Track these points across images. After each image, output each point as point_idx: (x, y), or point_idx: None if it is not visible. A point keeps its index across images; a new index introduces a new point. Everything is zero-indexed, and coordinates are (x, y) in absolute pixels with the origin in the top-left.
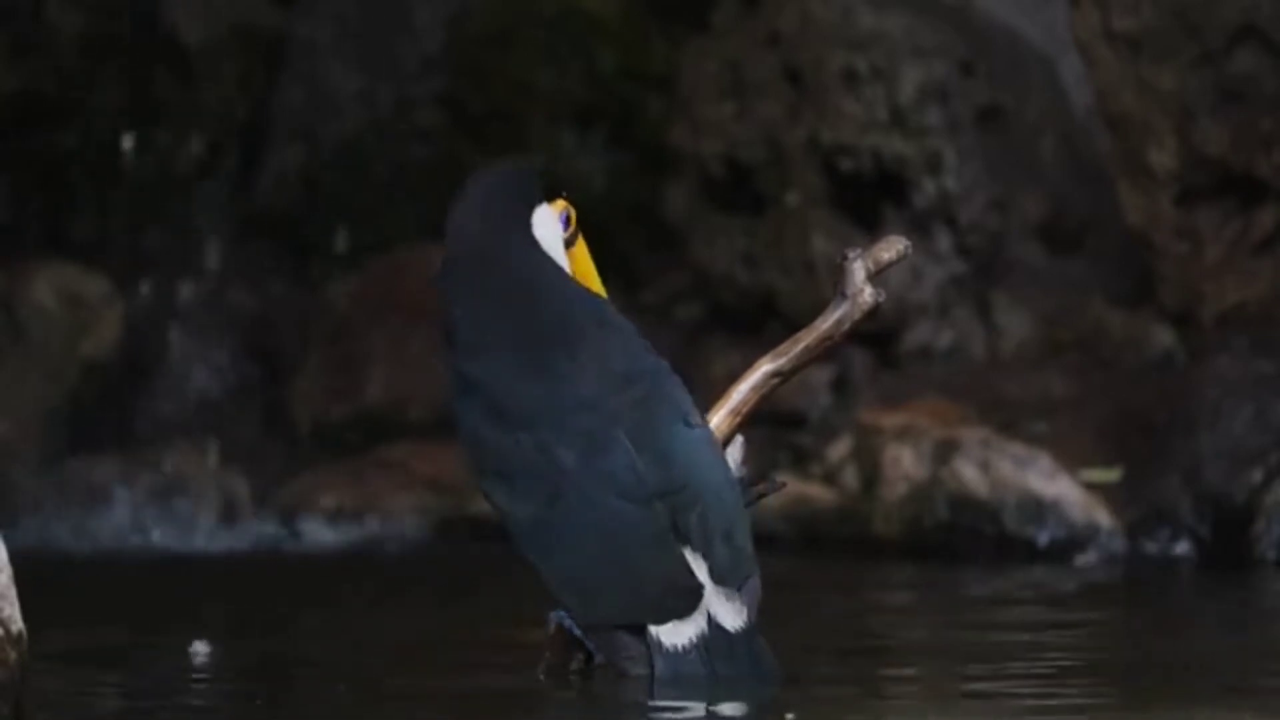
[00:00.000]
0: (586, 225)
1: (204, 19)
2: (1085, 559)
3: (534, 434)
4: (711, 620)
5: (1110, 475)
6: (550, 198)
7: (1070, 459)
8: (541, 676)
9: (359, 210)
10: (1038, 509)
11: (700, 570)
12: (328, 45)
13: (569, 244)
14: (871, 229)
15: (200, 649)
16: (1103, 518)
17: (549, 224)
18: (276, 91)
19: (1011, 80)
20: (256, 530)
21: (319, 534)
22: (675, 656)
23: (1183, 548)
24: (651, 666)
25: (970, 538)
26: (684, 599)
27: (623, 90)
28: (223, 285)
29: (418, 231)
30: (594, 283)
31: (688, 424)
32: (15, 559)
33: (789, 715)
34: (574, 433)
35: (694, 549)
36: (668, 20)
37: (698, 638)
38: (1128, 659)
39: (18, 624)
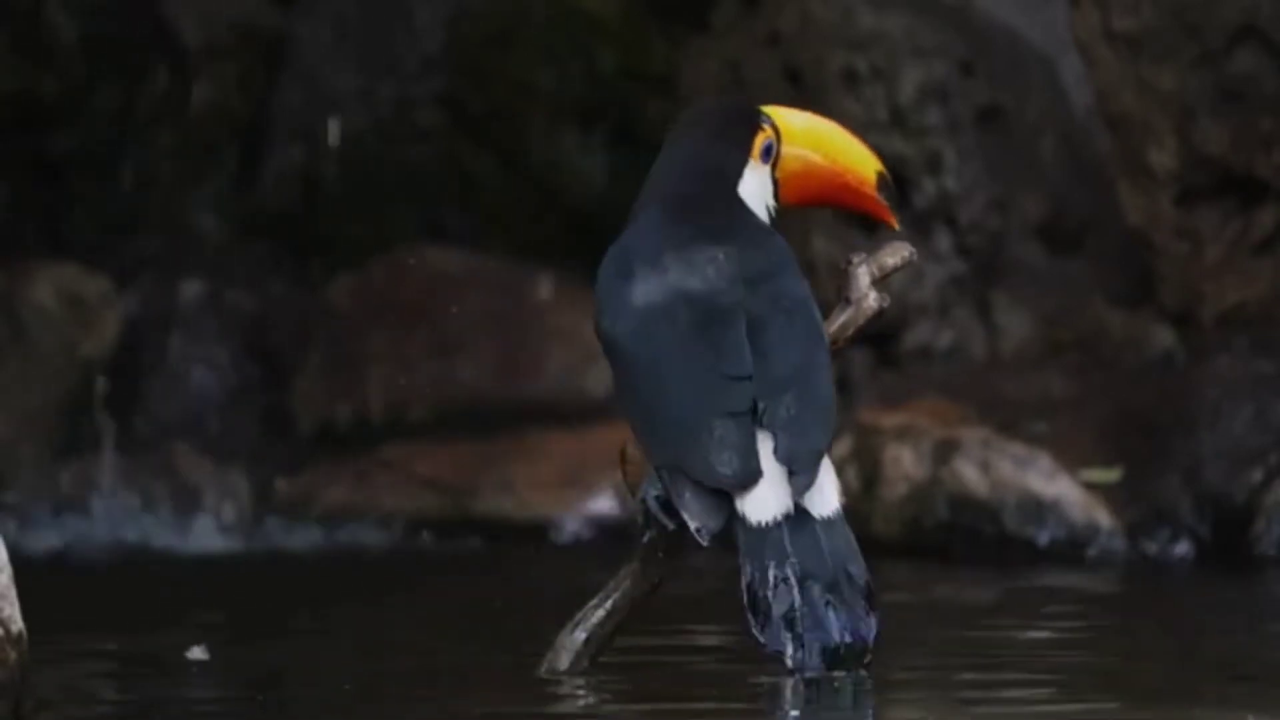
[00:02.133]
0: (587, 225)
1: (204, 19)
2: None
3: (663, 280)
4: (798, 505)
5: (1110, 475)
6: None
7: (1070, 459)
8: (542, 675)
9: (359, 210)
10: (1038, 509)
11: (765, 451)
12: (328, 45)
13: (774, 166)
14: (872, 231)
15: (199, 650)
16: (1103, 518)
17: (754, 181)
18: (276, 91)
19: (1011, 80)
20: (256, 530)
21: (319, 534)
22: (758, 532)
23: (1183, 548)
24: (735, 540)
25: (970, 538)
26: (742, 465)
27: (623, 90)
28: (223, 285)
29: (418, 231)
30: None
31: (810, 336)
32: (15, 559)
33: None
34: (697, 301)
35: (765, 429)
36: (668, 20)
37: (782, 518)
38: (1128, 659)
39: (18, 624)
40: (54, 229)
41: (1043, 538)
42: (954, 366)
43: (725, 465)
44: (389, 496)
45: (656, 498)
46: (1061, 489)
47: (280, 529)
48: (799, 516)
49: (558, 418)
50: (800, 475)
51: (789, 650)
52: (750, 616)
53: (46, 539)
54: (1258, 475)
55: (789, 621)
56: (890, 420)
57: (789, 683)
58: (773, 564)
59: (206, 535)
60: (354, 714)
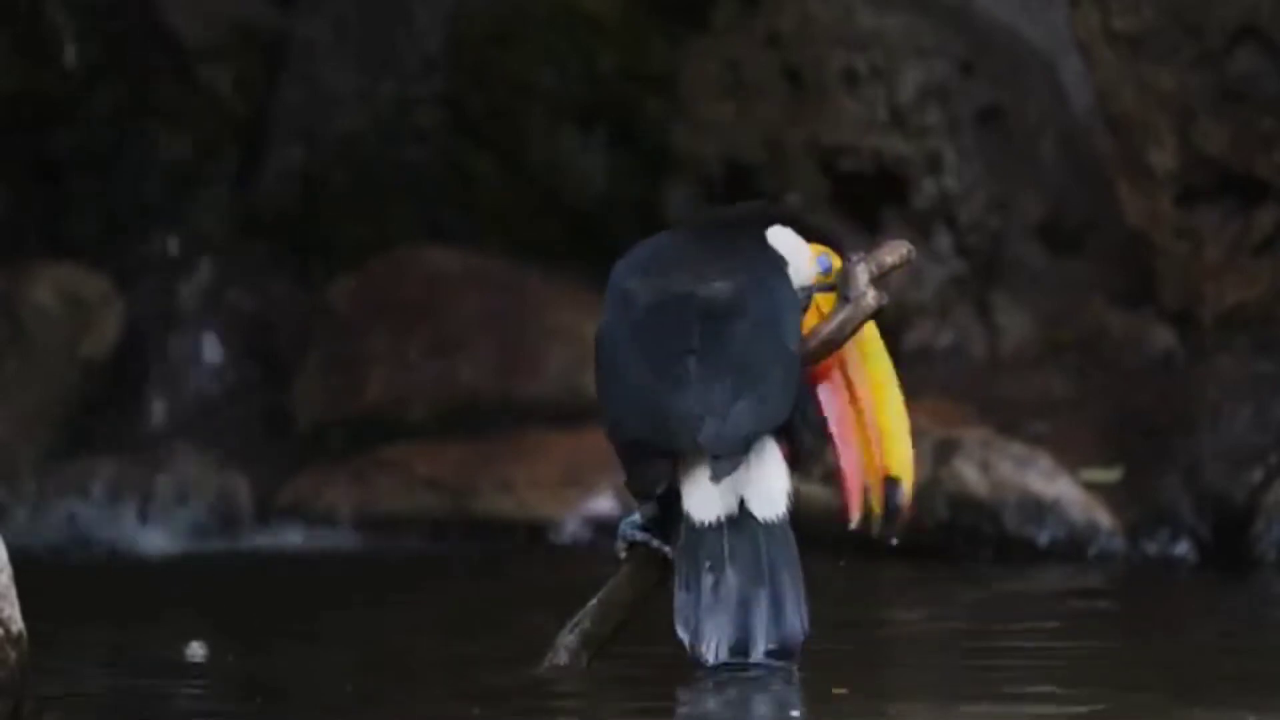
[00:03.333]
0: (586, 225)
1: (204, 19)
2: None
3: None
4: (743, 505)
5: (1110, 475)
6: (807, 237)
7: (1070, 459)
8: (542, 674)
9: (359, 210)
10: (1038, 509)
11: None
12: (328, 45)
13: (819, 288)
14: (872, 229)
15: (198, 649)
16: (1103, 518)
17: (790, 243)
18: (276, 91)
19: (1011, 80)
20: (256, 531)
21: (318, 535)
22: (698, 532)
23: (1183, 548)
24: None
25: (970, 538)
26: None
27: (623, 90)
28: (223, 285)
29: (418, 231)
30: (870, 361)
31: (784, 346)
32: (15, 559)
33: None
34: (659, 290)
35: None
36: (668, 20)
37: (725, 519)
38: (1128, 659)
39: (18, 624)
40: (54, 229)
41: (1043, 538)
42: (954, 366)
43: (671, 428)
44: (389, 496)
45: (630, 524)
46: (1061, 489)
47: (280, 529)
48: (741, 518)
49: (558, 418)
50: (723, 461)
51: (706, 648)
52: (677, 613)
53: (46, 539)
54: (1258, 475)
55: (715, 623)
56: None
57: (786, 674)
58: (708, 564)
59: (206, 535)
60: (353, 713)
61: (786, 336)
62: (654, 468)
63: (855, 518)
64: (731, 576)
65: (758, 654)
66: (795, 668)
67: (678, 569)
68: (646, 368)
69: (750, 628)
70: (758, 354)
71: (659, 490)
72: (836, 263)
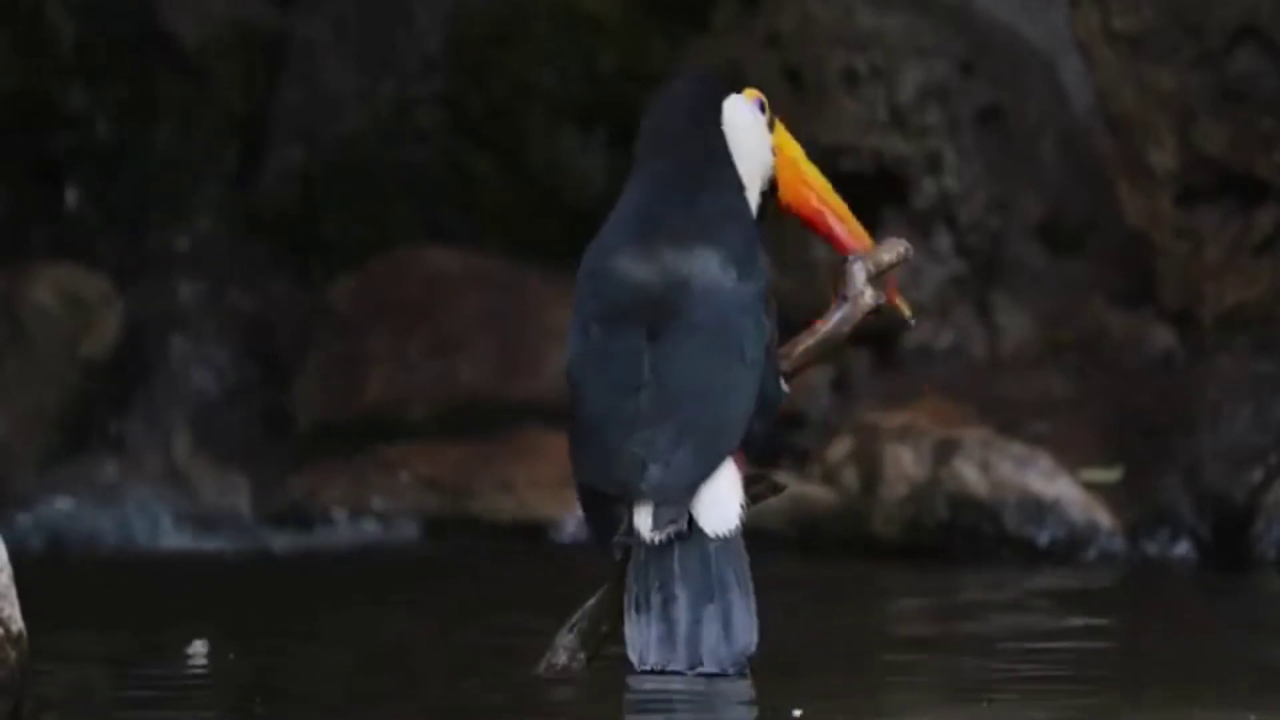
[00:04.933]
0: (586, 225)
1: (204, 19)
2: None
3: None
4: (692, 522)
5: (1110, 475)
6: (738, 89)
7: (1070, 459)
8: (540, 674)
9: (359, 210)
10: (1038, 509)
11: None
12: (328, 45)
13: (770, 126)
14: (871, 229)
15: (199, 649)
16: (1103, 518)
17: (743, 111)
18: (276, 91)
19: (1011, 80)
20: (256, 530)
21: (318, 534)
22: (648, 549)
23: (1183, 548)
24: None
25: (970, 538)
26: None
27: (623, 90)
28: (223, 285)
29: (418, 231)
30: (803, 163)
31: (740, 355)
32: (15, 559)
33: (796, 712)
34: (609, 311)
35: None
36: (668, 20)
37: (675, 536)
38: (1127, 659)
39: (18, 624)
40: (54, 229)
41: (1043, 538)
42: (954, 366)
43: (621, 472)
44: (389, 496)
45: None
46: (1061, 489)
47: (280, 529)
48: (692, 535)
49: (558, 418)
50: (664, 508)
51: (651, 660)
52: (627, 629)
53: (46, 539)
54: (1258, 475)
55: (662, 638)
56: (890, 420)
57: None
58: (656, 583)
59: (206, 535)
60: (352, 713)
61: (744, 340)
62: (611, 512)
63: (908, 310)
64: (681, 595)
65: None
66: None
67: (628, 588)
68: (600, 408)
69: (698, 648)
70: (713, 378)
71: (619, 536)
72: (765, 99)
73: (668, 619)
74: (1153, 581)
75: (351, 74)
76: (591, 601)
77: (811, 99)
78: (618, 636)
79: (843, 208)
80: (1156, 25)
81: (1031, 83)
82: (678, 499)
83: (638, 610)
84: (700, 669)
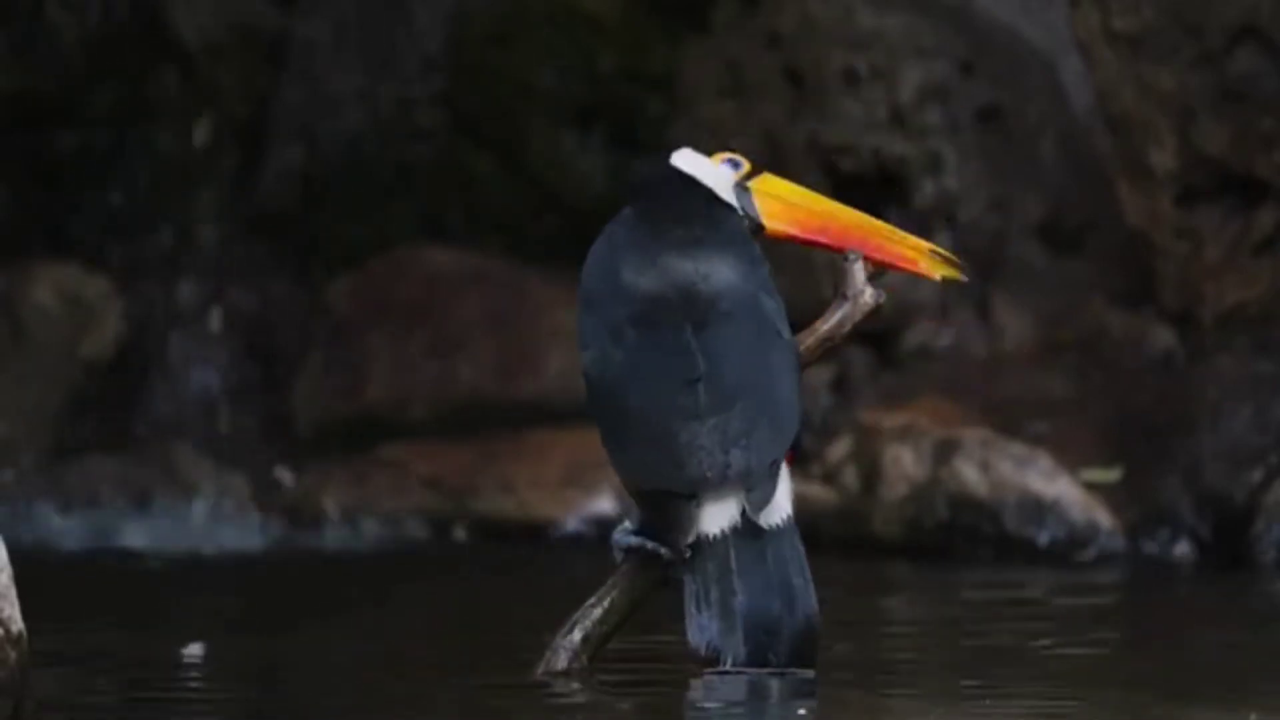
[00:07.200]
0: (586, 225)
1: (204, 19)
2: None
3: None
4: (745, 514)
5: (1110, 475)
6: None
7: (1070, 459)
8: (541, 675)
9: (359, 210)
10: (1038, 509)
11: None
12: (328, 45)
13: (749, 176)
14: None
15: (197, 650)
16: (1103, 518)
17: (701, 163)
18: (276, 91)
19: (1011, 80)
20: (256, 531)
21: (318, 534)
22: (706, 545)
23: (1183, 548)
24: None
25: (970, 538)
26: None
27: (623, 90)
28: (223, 285)
29: (418, 231)
30: (796, 195)
31: (777, 334)
32: (15, 559)
33: (801, 711)
34: (643, 312)
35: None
36: (668, 20)
37: (730, 530)
38: (1127, 659)
39: (18, 624)
40: (54, 229)
41: (1043, 538)
42: (954, 366)
43: (697, 467)
44: (389, 496)
45: (623, 531)
46: (1061, 489)
47: (280, 529)
48: (747, 528)
49: (558, 418)
50: (756, 492)
51: (725, 652)
52: (689, 624)
53: (46, 539)
54: (1258, 475)
55: (727, 629)
56: (890, 420)
57: (781, 682)
58: (716, 577)
59: (206, 535)
60: (352, 713)
61: (777, 320)
62: (681, 512)
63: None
64: (741, 589)
65: (775, 665)
66: (813, 673)
67: (687, 584)
68: (658, 406)
69: (763, 640)
70: (761, 360)
71: (689, 538)
72: (746, 164)
73: (730, 614)
74: (1153, 581)
75: (351, 74)
76: (591, 602)
77: (811, 99)
78: (616, 638)
79: (873, 223)
80: (1156, 25)
81: (1031, 83)
82: (764, 479)
83: (698, 607)
84: (772, 666)
